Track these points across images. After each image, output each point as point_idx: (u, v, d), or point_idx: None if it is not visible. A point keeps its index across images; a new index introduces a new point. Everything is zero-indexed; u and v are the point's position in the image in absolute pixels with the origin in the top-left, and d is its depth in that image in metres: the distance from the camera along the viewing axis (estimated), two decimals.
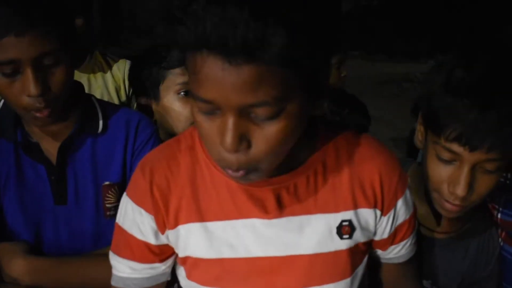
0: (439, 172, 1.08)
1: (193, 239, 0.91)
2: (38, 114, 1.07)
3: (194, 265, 0.93)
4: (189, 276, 0.96)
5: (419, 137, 1.14)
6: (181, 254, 0.94)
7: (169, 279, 1.01)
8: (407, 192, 0.98)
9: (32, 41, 1.00)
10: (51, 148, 1.17)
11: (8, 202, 1.15)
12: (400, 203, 0.96)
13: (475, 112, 0.98)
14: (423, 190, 1.16)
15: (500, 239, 1.27)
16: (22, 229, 1.16)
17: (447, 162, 1.06)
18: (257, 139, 0.74)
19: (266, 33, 0.65)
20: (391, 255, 1.03)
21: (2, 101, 1.19)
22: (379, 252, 1.03)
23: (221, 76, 0.67)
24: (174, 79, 1.46)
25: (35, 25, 1.00)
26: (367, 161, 0.93)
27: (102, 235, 1.20)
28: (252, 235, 0.90)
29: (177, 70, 1.45)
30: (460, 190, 1.04)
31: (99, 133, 1.20)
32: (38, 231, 1.17)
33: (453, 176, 1.06)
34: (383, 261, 1.05)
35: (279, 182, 0.88)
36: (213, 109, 0.72)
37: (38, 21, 1.00)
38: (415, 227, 1.05)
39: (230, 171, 0.77)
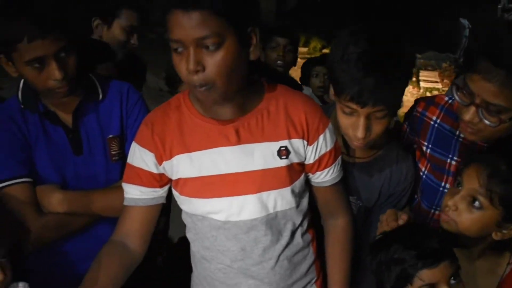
0: (345, 121, 1.41)
1: (182, 165, 1.33)
2: (59, 91, 1.46)
3: (184, 184, 1.35)
4: (181, 193, 1.37)
5: (331, 95, 1.49)
6: (174, 177, 1.36)
7: (164, 202, 1.42)
8: (327, 131, 1.38)
9: (52, 41, 1.39)
10: (64, 114, 1.56)
11: (38, 157, 1.53)
12: (321, 138, 1.37)
13: (360, 78, 1.30)
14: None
15: (423, 168, 1.61)
16: (51, 176, 1.54)
17: (349, 114, 1.39)
18: (209, 64, 1.14)
19: None
20: (319, 180, 1.43)
21: (21, 83, 1.55)
22: (310, 176, 1.43)
23: (182, 22, 1.10)
24: None
25: (53, 29, 1.38)
26: (296, 106, 1.36)
27: (111, 176, 1.60)
28: (221, 158, 1.32)
29: None
30: (359, 134, 1.38)
31: (100, 100, 1.60)
32: (63, 177, 1.56)
33: (354, 124, 1.38)
34: (314, 184, 1.45)
35: (238, 121, 1.31)
36: (181, 46, 1.13)
37: (55, 26, 1.39)
38: (336, 159, 1.43)
39: (196, 89, 1.17)
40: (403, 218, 1.35)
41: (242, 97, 1.29)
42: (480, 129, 1.35)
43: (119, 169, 1.60)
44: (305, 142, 1.36)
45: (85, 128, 1.58)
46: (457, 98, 1.38)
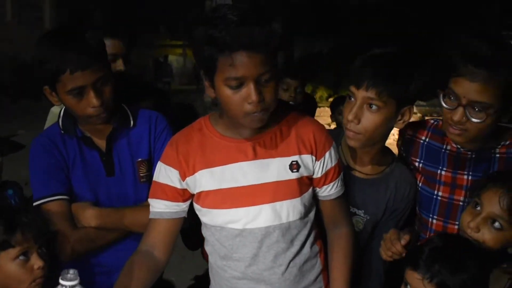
0: (345, 108, 1.63)
1: (204, 179, 1.50)
2: (97, 117, 1.64)
3: (206, 196, 1.52)
4: (202, 205, 1.53)
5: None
6: (197, 191, 1.52)
7: (186, 216, 1.57)
8: (332, 149, 1.57)
9: (91, 72, 1.58)
10: (99, 140, 1.74)
11: (75, 177, 1.71)
12: (327, 154, 1.55)
13: (362, 66, 1.58)
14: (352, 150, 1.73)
15: (418, 182, 1.79)
16: (86, 194, 1.71)
17: (350, 101, 1.62)
18: (266, 94, 1.36)
19: (269, 39, 1.33)
20: (325, 193, 1.59)
21: (62, 110, 1.74)
22: (317, 190, 1.58)
23: (248, 61, 1.31)
24: None
25: (92, 62, 1.57)
26: (306, 127, 1.55)
27: (139, 196, 1.77)
28: (239, 172, 1.49)
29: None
30: (350, 116, 1.59)
31: (131, 127, 1.78)
32: (96, 196, 1.72)
33: (351, 110, 1.60)
34: (321, 198, 1.61)
35: (255, 139, 1.50)
36: (240, 83, 1.34)
37: (93, 59, 1.58)
38: (339, 174, 1.61)
39: (250, 116, 1.37)
40: (405, 238, 1.51)
41: None
42: (467, 128, 1.55)
43: (146, 190, 1.74)
44: (314, 158, 1.53)
45: (117, 152, 1.76)
46: (444, 104, 1.58)
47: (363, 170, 1.76)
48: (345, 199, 1.67)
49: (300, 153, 1.51)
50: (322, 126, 1.62)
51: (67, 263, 1.62)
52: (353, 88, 1.60)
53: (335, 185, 1.59)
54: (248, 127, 1.45)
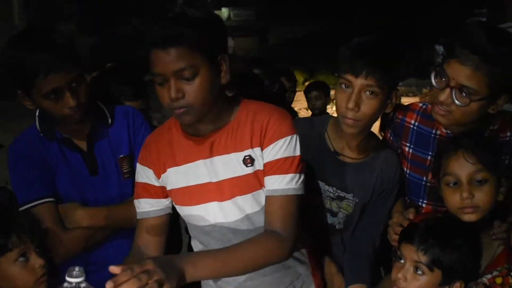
0: (341, 97, 1.65)
1: (172, 177, 1.53)
2: (74, 117, 1.63)
3: (175, 194, 1.55)
4: (175, 202, 1.56)
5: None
6: (169, 188, 1.55)
7: (171, 212, 1.59)
8: (286, 140, 1.45)
9: (66, 73, 1.57)
10: (79, 140, 1.74)
11: (59, 178, 1.71)
12: (272, 145, 1.45)
13: (358, 55, 1.61)
14: (341, 133, 1.74)
15: (406, 169, 1.82)
16: (72, 195, 1.72)
17: (345, 88, 1.63)
18: (187, 91, 1.35)
19: (181, 33, 1.31)
20: (268, 187, 1.47)
21: (37, 114, 1.73)
22: (265, 183, 1.48)
23: (162, 58, 1.32)
24: None
25: (65, 64, 1.56)
26: (262, 118, 1.47)
27: (124, 192, 1.78)
28: (199, 169, 1.50)
29: None
30: (350, 105, 1.60)
31: (109, 124, 1.78)
32: (83, 195, 1.73)
33: (348, 97, 1.61)
34: (266, 194, 1.48)
35: (212, 137, 1.49)
36: (163, 79, 1.35)
37: (65, 60, 1.57)
38: (290, 171, 1.45)
39: (175, 111, 1.38)
40: (411, 211, 1.60)
41: (217, 115, 1.47)
42: (451, 110, 1.58)
43: (131, 185, 1.75)
44: (261, 148, 1.48)
45: (99, 150, 1.76)
46: (434, 83, 1.61)
47: (350, 154, 1.79)
48: (295, 205, 1.47)
49: (252, 146, 1.47)
50: (281, 116, 1.50)
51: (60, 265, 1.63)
52: (349, 77, 1.61)
53: (281, 180, 1.45)
54: (183, 123, 1.46)
